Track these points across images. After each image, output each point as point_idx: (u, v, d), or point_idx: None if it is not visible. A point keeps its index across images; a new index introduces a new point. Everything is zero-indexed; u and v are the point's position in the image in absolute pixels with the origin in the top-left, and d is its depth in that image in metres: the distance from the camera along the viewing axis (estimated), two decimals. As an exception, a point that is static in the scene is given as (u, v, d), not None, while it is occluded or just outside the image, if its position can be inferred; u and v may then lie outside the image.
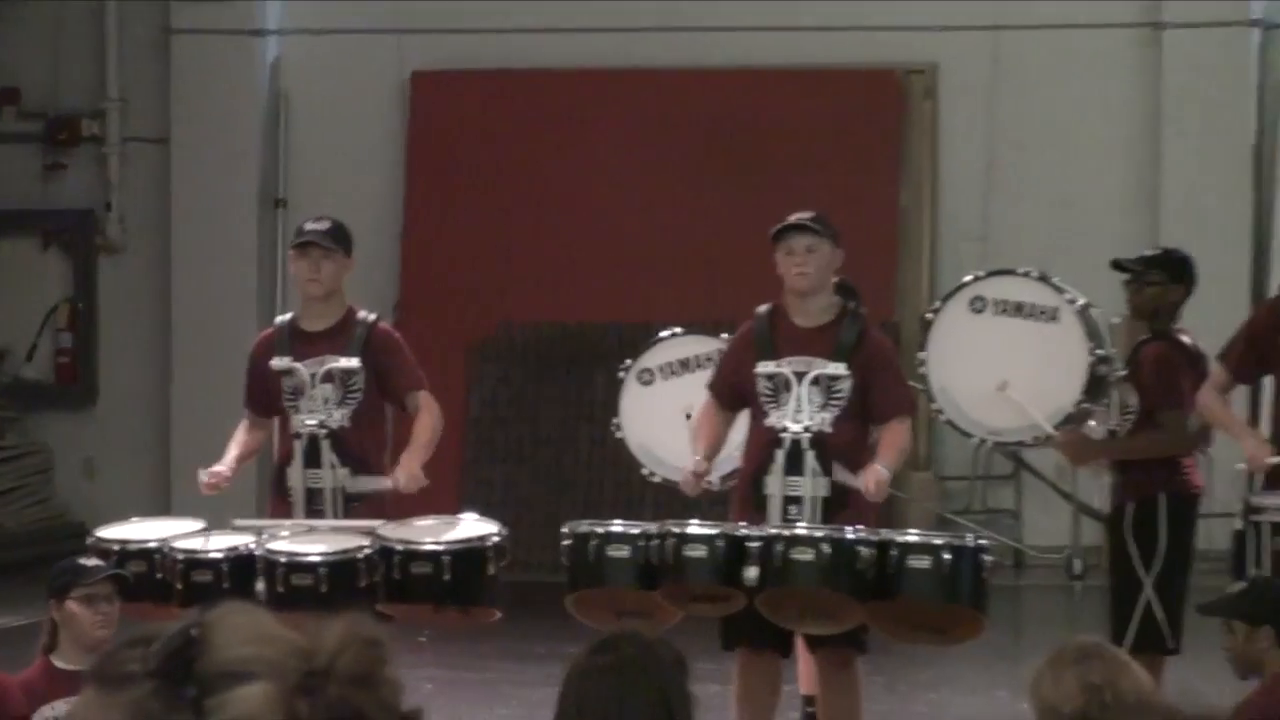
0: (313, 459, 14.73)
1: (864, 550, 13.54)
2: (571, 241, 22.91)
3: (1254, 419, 16.52)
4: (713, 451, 14.25)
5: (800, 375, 13.99)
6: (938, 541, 14.04)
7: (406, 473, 14.41)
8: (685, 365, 15.37)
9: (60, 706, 11.20)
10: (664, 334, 16.02)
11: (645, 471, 15.43)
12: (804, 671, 14.09)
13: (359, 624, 3.73)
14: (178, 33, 24.37)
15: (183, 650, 3.38)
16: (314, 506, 14.68)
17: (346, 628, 3.70)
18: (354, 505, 14.60)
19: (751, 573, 13.43)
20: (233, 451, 14.86)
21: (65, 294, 26.05)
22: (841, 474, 13.87)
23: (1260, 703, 11.24)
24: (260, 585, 13.83)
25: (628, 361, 16.05)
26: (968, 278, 16.15)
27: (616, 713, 7.20)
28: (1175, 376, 14.83)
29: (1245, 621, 11.26)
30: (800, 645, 13.95)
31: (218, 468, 14.58)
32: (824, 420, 13.97)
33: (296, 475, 14.69)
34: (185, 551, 14.00)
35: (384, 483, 14.51)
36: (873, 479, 13.77)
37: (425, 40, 23.86)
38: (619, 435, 15.70)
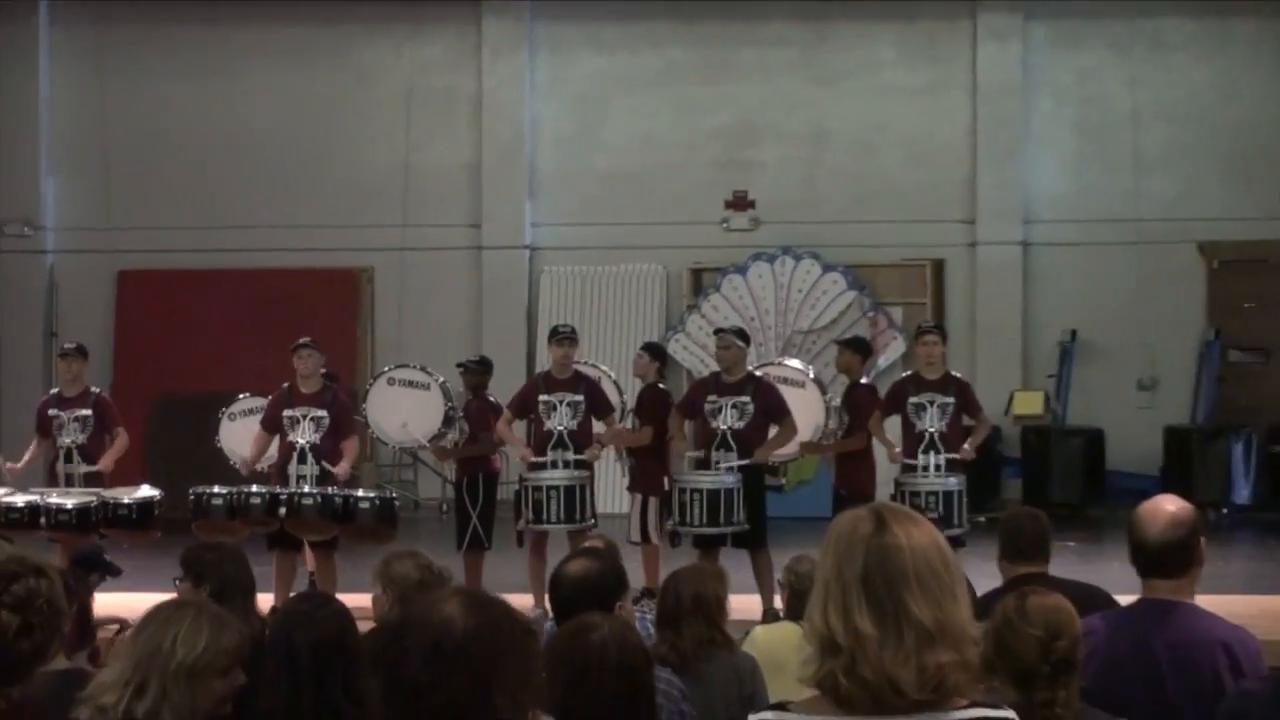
0: (69, 460, 14.95)
1: (338, 499, 14.03)
2: (205, 352, 22.60)
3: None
4: (259, 456, 14.51)
5: (305, 415, 14.23)
6: (373, 494, 14.74)
7: (105, 465, 14.82)
8: (252, 411, 15.38)
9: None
10: (241, 396, 15.95)
11: (232, 462, 15.33)
12: (309, 557, 14.25)
13: (28, 554, 3.66)
14: (3, 253, 23.71)
15: None
16: (69, 483, 14.73)
17: (19, 552, 3.64)
18: (86, 482, 14.69)
19: (283, 510, 13.87)
20: (25, 457, 15.03)
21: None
22: (326, 465, 14.13)
23: None
24: (43, 519, 14.12)
25: (223, 410, 16.03)
26: (385, 367, 16.68)
27: (214, 574, 7.20)
28: (488, 417, 14.73)
29: None
30: (307, 545, 14.11)
31: (15, 465, 14.94)
32: (317, 437, 14.23)
33: (60, 467, 14.92)
34: (7, 503, 14.28)
35: (101, 470, 14.76)
36: (341, 470, 14.22)
37: (128, 255, 23.25)
38: (219, 445, 15.75)
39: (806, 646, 3.44)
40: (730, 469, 13.78)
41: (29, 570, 3.46)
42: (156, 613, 5.15)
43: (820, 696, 3.42)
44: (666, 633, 7.07)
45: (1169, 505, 5.58)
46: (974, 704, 3.40)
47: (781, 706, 3.52)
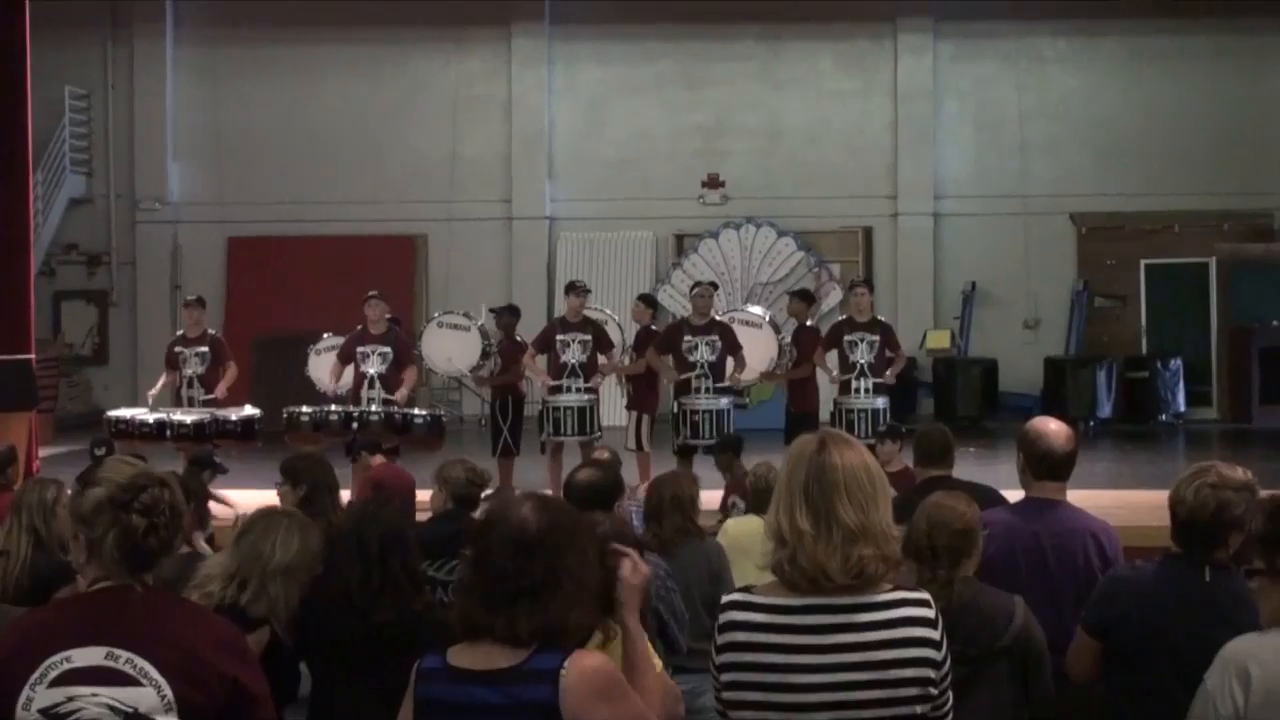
0: (190, 386, 14.63)
1: (398, 416, 13.73)
2: (295, 301, 22.37)
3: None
4: (336, 380, 14.13)
5: (373, 351, 13.98)
6: (425, 412, 14.22)
7: (220, 392, 14.47)
8: (333, 348, 14.98)
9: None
10: (325, 335, 15.60)
11: (318, 388, 15.09)
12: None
13: (151, 469, 3.49)
14: (140, 223, 23.51)
15: (90, 470, 3.49)
16: (191, 405, 14.46)
17: (147, 468, 3.47)
18: (204, 404, 14.38)
19: (355, 425, 13.53)
20: (159, 383, 14.64)
21: (95, 322, 24.92)
22: (390, 396, 13.82)
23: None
24: (168, 432, 13.90)
25: (310, 346, 15.78)
26: (435, 313, 16.38)
27: (307, 478, 7.05)
28: (516, 352, 14.38)
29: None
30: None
31: (152, 391, 14.58)
32: (383, 368, 13.85)
33: (184, 392, 14.62)
34: (141, 419, 14.06)
35: (217, 397, 14.42)
36: (401, 395, 13.89)
37: (236, 225, 23.12)
38: (308, 374, 15.50)
39: (768, 540, 3.46)
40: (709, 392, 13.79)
41: (154, 482, 3.43)
42: (256, 521, 5.22)
43: (776, 581, 3.45)
44: (651, 524, 7.05)
45: (1057, 424, 5.48)
46: (897, 588, 3.44)
47: (748, 589, 3.51)
